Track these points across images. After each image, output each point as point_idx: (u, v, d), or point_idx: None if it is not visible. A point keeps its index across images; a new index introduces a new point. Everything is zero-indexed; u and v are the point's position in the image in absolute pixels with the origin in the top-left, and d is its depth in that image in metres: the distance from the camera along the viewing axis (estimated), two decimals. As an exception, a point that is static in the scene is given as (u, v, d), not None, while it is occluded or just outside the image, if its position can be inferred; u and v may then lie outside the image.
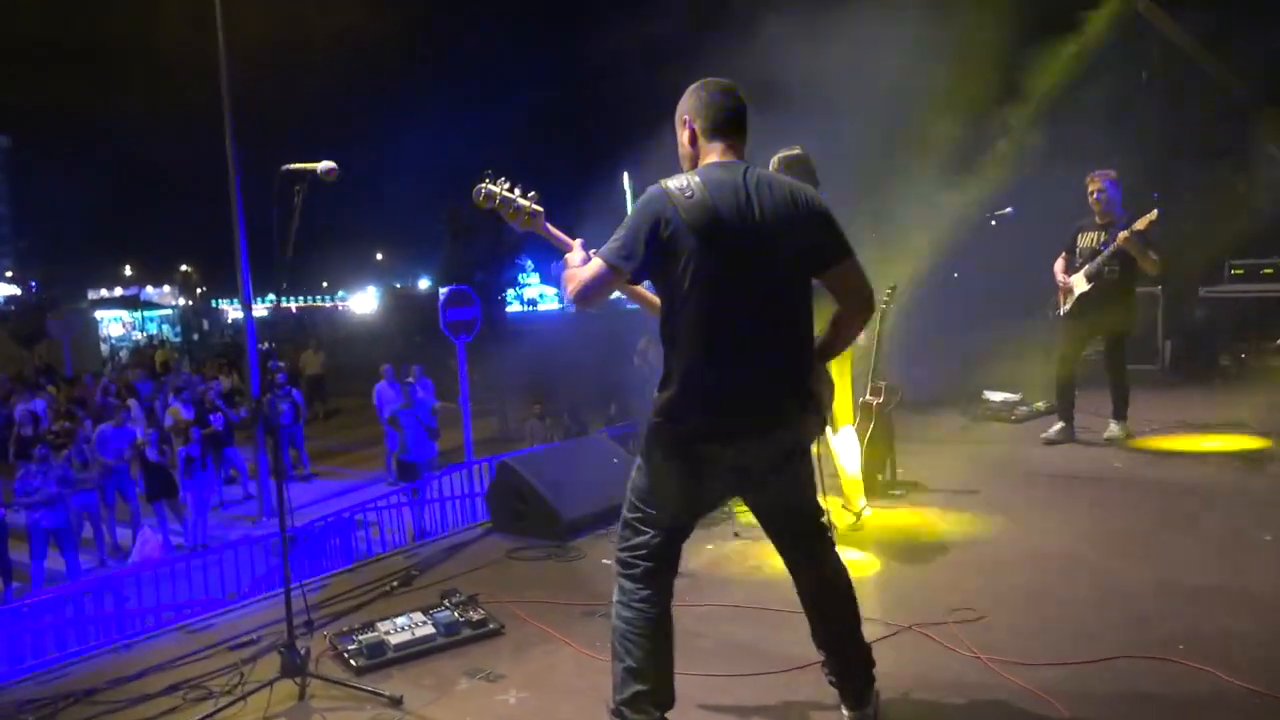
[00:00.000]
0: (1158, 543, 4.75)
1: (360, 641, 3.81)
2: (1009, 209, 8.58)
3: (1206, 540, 4.74)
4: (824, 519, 3.00)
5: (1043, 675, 3.31)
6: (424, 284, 59.29)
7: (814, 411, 2.82)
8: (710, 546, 5.05)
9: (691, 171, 2.79)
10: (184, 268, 70.81)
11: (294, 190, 3.17)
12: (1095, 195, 6.64)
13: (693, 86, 2.90)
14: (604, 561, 4.98)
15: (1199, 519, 5.08)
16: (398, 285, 59.80)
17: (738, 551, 4.94)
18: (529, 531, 5.44)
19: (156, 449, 11.70)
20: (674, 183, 2.72)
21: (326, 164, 3.10)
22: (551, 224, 3.13)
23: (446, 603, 4.20)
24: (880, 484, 5.81)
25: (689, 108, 2.88)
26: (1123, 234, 6.33)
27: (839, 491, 5.23)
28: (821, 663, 3.06)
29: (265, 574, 7.72)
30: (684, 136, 2.89)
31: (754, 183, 2.73)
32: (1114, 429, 6.89)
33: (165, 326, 51.14)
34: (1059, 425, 7.00)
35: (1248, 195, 10.56)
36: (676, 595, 2.88)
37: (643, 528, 2.85)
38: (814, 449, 5.02)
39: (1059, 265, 6.89)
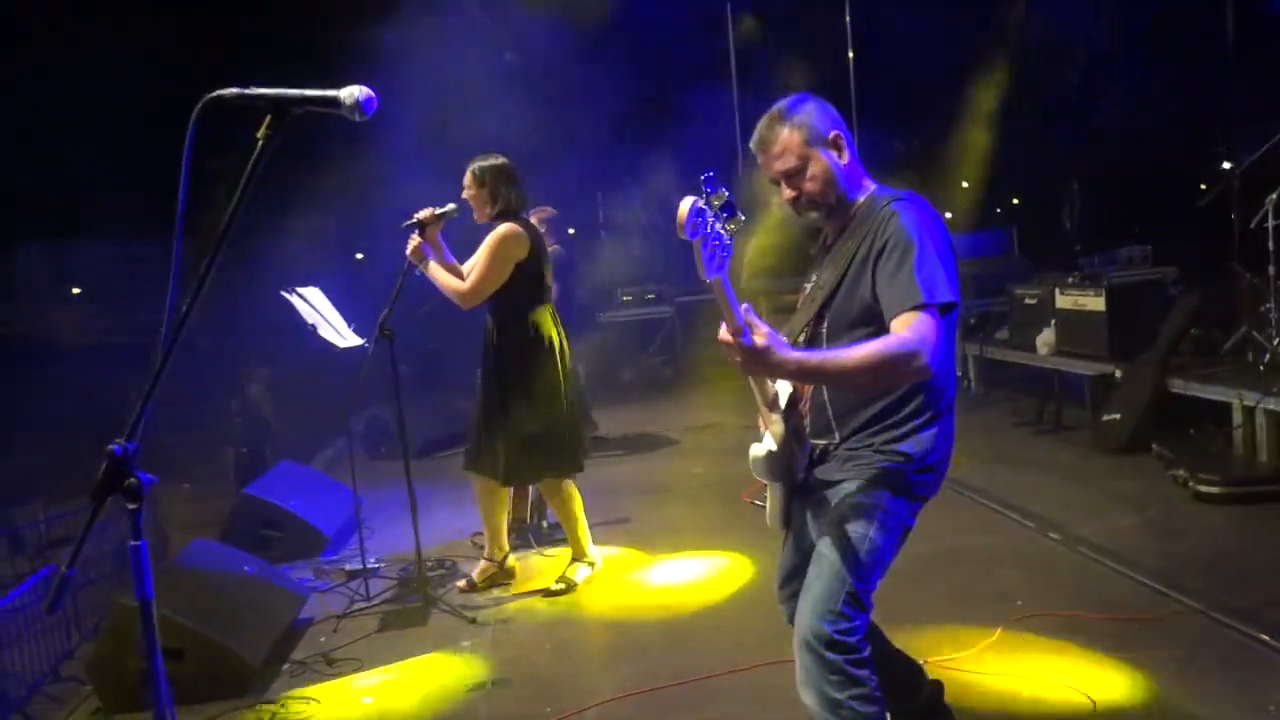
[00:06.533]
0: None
1: None
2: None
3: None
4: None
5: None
6: None
7: None
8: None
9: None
10: None
11: (268, 125, 1.65)
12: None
13: (809, 100, 2.34)
14: (365, 700, 3.59)
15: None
16: None
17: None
18: (191, 696, 3.61)
19: None
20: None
21: (357, 90, 1.65)
22: None
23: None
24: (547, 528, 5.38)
25: (835, 120, 2.33)
26: None
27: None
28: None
29: None
30: (840, 156, 2.32)
31: None
32: None
33: None
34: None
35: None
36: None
37: (868, 602, 2.27)
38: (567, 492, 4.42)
39: None
